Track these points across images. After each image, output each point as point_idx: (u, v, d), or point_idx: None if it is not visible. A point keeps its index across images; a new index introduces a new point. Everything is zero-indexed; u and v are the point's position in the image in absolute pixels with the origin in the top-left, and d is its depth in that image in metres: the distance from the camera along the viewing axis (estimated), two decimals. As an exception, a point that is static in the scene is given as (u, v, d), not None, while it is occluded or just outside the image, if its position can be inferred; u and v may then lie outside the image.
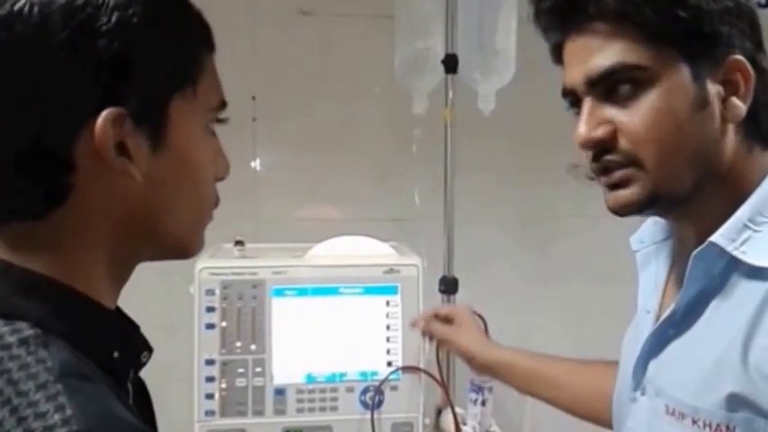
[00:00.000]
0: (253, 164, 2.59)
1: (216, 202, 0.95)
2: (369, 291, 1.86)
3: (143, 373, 0.95)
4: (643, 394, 1.20)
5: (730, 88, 1.07)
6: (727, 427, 1.04)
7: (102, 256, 0.85)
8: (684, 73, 1.05)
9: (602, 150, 1.09)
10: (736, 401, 1.03)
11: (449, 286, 2.00)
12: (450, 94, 2.06)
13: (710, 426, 1.06)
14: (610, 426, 1.33)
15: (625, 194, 1.10)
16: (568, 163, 2.38)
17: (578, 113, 1.12)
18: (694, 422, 1.08)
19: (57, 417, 0.69)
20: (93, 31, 0.78)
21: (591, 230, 2.56)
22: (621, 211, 1.12)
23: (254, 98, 2.48)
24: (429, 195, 2.04)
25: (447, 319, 1.81)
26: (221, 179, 0.96)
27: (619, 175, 1.09)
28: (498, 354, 1.69)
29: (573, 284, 2.66)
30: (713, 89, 1.06)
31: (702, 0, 1.04)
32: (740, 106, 1.07)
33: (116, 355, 0.85)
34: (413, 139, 2.18)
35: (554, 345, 2.55)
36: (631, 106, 1.06)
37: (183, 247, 0.93)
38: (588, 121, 1.09)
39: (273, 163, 2.61)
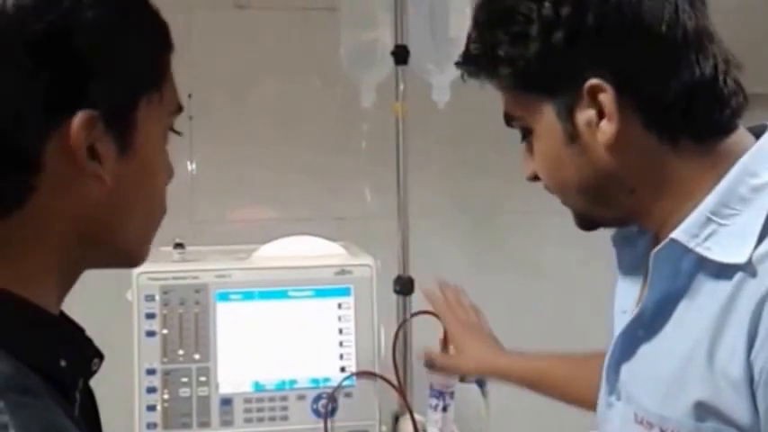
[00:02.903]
0: (189, 163, 2.55)
1: (164, 211, 0.95)
2: (320, 293, 1.81)
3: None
4: (618, 399, 1.17)
5: (602, 111, 1.04)
6: None
7: (53, 262, 0.83)
8: (549, 112, 1.07)
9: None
10: (703, 410, 1.00)
11: (404, 286, 1.96)
12: (401, 86, 2.02)
13: None
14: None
15: (574, 219, 1.17)
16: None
17: None
18: None
19: None
20: (67, 30, 0.77)
21: (547, 226, 2.51)
22: (582, 230, 1.17)
23: (190, 96, 2.40)
24: (377, 193, 1.98)
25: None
26: (166, 184, 0.96)
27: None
28: (502, 365, 1.66)
29: (532, 281, 2.66)
30: (582, 118, 1.05)
31: (512, 50, 1.05)
32: (606, 131, 1.03)
33: (63, 363, 0.81)
34: (361, 134, 2.13)
35: (511, 340, 2.54)
36: (531, 149, 1.13)
37: (134, 256, 0.92)
38: (522, 158, 1.16)
39: (211, 162, 2.56)
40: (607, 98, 1.02)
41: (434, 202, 2.52)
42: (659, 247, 1.04)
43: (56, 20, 0.76)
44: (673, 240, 1.02)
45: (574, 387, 1.53)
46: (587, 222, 1.15)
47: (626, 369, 1.15)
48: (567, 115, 1.05)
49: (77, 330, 0.88)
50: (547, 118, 1.07)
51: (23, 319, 0.79)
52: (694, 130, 1.05)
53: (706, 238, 1.01)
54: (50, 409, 0.74)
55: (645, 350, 1.11)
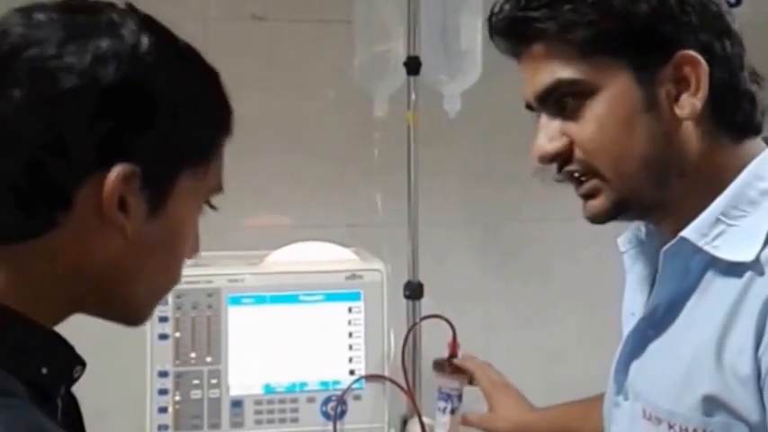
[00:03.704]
0: (203, 171, 2.51)
1: (176, 282, 0.94)
2: (330, 297, 1.82)
3: (88, 387, 0.92)
4: (626, 399, 1.18)
5: (682, 85, 1.06)
6: None
7: (53, 296, 0.84)
8: (626, 78, 1.06)
9: (562, 162, 1.11)
10: (712, 404, 1.01)
11: (414, 292, 1.98)
12: (413, 96, 2.05)
13: (686, 431, 1.04)
14: None
15: (595, 205, 1.11)
16: (535, 165, 2.37)
17: None
18: (670, 427, 1.06)
19: None
20: (140, 83, 0.80)
21: (557, 234, 2.54)
22: (596, 220, 1.13)
23: (205, 105, 2.42)
24: (388, 200, 1.99)
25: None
26: (189, 258, 0.95)
27: (586, 187, 1.11)
28: (531, 421, 1.69)
29: (540, 289, 2.64)
30: (662, 89, 1.06)
31: (630, 6, 1.04)
32: (692, 103, 1.05)
33: (44, 371, 0.82)
34: (373, 143, 2.15)
35: (521, 351, 2.54)
36: (579, 117, 1.08)
37: (136, 317, 0.92)
38: (542, 136, 1.11)
39: (226, 170, 2.48)
40: (701, 72, 1.04)
41: (445, 209, 2.52)
42: (669, 244, 1.06)
43: (131, 72, 0.79)
44: (683, 239, 1.05)
45: (589, 427, 1.55)
46: (617, 208, 1.11)
47: (635, 367, 1.16)
48: (649, 81, 1.06)
49: (59, 339, 0.87)
50: (622, 83, 1.06)
51: (4, 326, 0.80)
52: (737, 125, 1.09)
53: (715, 238, 1.04)
54: (33, 411, 0.75)
55: (654, 347, 1.13)
